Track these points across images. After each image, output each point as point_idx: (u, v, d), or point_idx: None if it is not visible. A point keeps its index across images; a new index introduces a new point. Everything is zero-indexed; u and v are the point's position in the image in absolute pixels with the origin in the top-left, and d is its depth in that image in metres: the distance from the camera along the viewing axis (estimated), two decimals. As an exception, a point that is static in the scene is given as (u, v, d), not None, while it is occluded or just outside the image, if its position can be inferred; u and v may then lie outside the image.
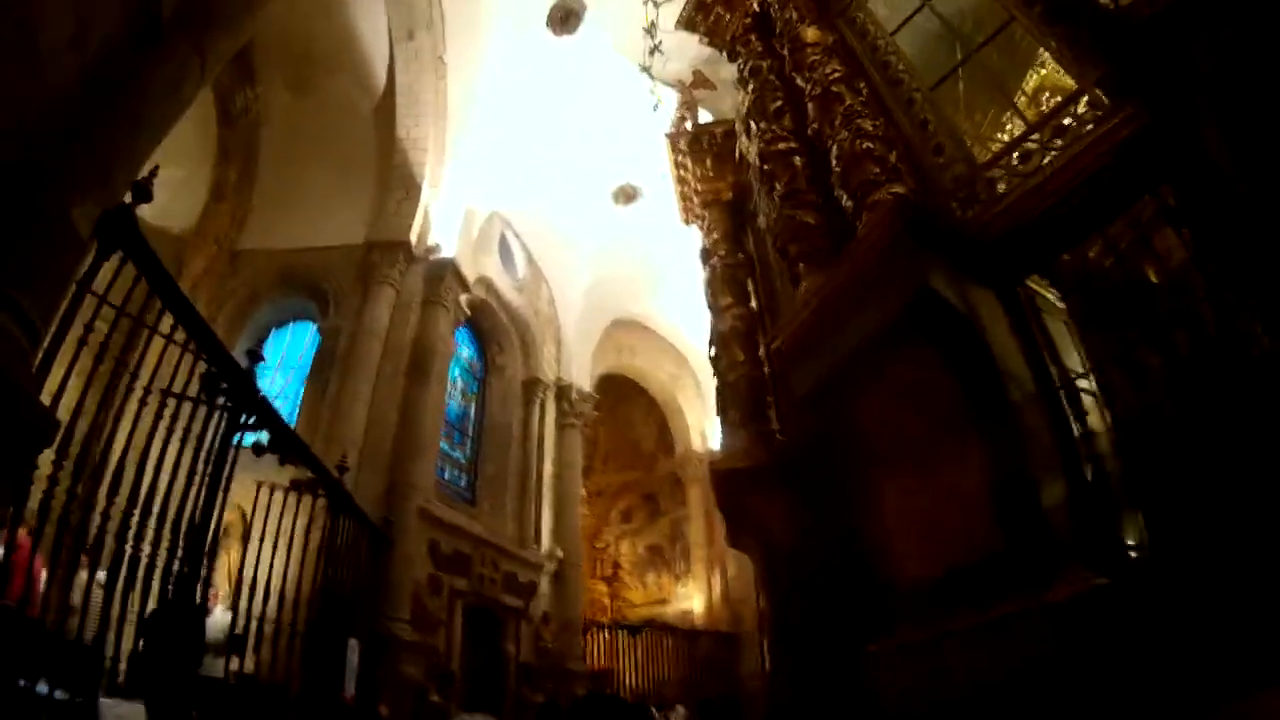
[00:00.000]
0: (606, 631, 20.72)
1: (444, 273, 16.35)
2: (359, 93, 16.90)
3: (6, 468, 3.67)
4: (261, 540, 8.27)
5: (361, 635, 10.53)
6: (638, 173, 19.89)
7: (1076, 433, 5.01)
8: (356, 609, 10.82)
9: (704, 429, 26.24)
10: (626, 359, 25.98)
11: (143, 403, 5.51)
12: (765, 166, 8.15)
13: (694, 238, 13.43)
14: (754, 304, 10.34)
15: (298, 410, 14.71)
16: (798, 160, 7.76)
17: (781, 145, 7.97)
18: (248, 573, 8.06)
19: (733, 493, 8.87)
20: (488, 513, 17.63)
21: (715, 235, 11.05)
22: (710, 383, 23.99)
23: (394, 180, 16.74)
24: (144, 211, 4.95)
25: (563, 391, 21.07)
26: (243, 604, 8.00)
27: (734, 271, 10.60)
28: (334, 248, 16.39)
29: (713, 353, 10.51)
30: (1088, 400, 5.18)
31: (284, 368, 16.42)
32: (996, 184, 5.80)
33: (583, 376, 21.99)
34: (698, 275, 22.00)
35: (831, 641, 6.83)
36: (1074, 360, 5.39)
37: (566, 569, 18.90)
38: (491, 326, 19.88)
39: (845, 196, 6.39)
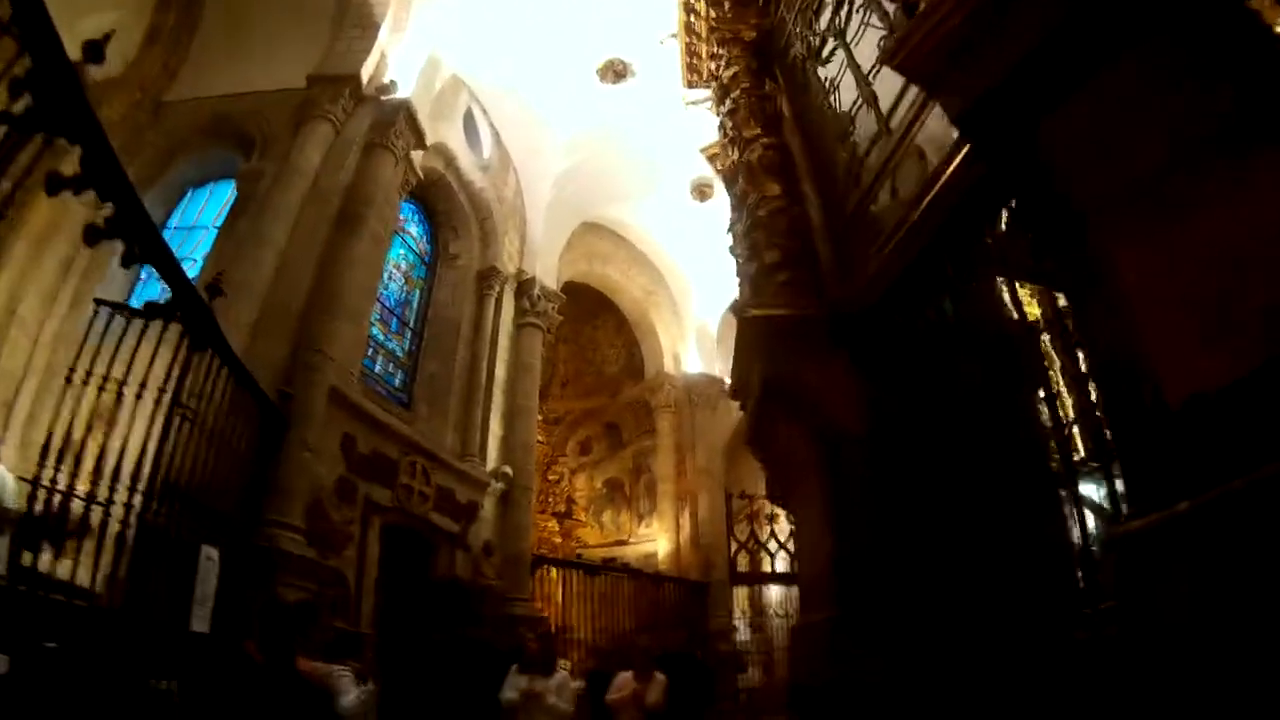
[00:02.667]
0: (558, 570, 17.77)
1: (395, 117, 13.32)
2: (323, -74, 14.13)
3: None
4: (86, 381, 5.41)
5: (231, 544, 7.59)
6: (631, 46, 17.33)
7: None
8: (223, 504, 7.89)
9: (678, 352, 23.93)
10: (598, 267, 22.99)
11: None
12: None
13: (688, 130, 12.79)
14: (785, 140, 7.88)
15: (200, 272, 11.65)
16: None
17: None
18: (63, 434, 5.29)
19: (773, 355, 6.14)
20: (425, 417, 14.72)
21: (735, 70, 8.72)
22: (689, 304, 22.09)
23: (349, 19, 13.91)
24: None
25: (524, 287, 18.07)
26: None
27: (761, 103, 8.22)
28: (271, 92, 13.58)
29: (739, 188, 7.86)
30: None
31: (198, 230, 13.85)
32: None
33: (548, 275, 18.97)
34: (685, 175, 19.85)
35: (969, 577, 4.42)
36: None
37: (515, 491, 15.96)
38: (448, 209, 17.07)
39: None
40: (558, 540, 22.16)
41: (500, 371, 16.76)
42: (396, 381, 15.05)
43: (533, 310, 18.07)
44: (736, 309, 6.86)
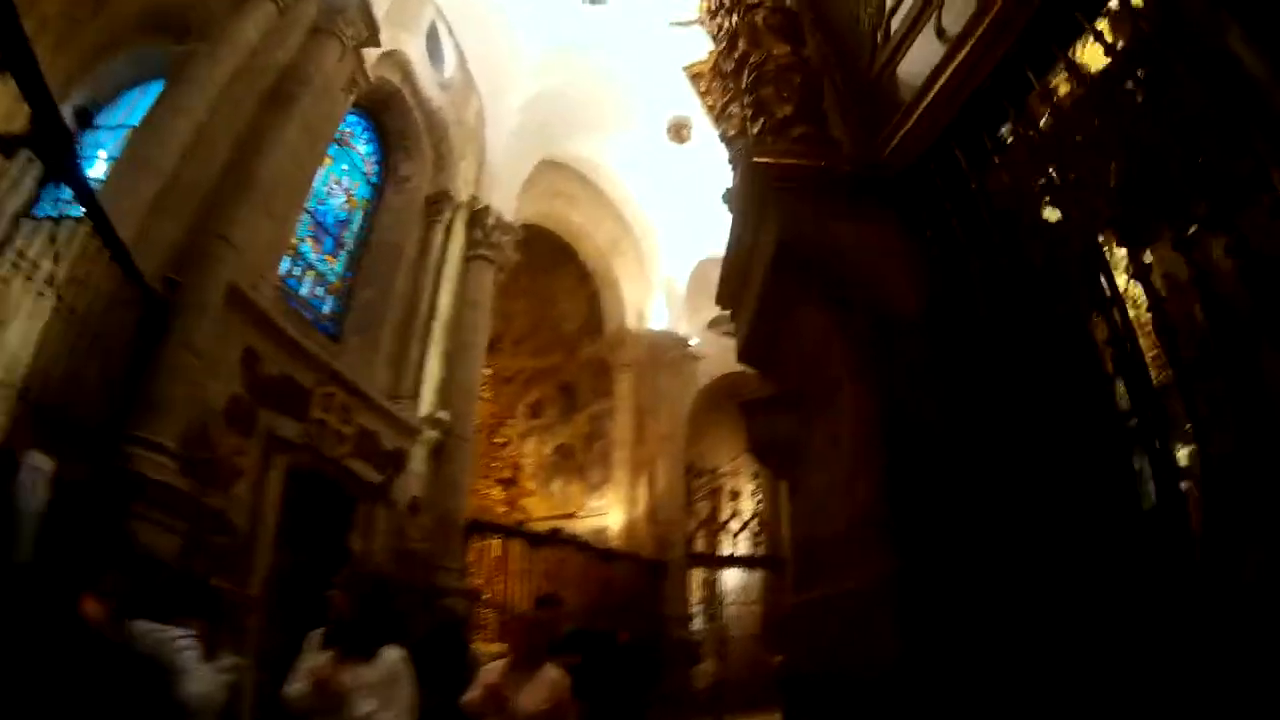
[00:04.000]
0: (498, 537, 15.69)
1: (346, 4, 11.58)
2: None
3: None
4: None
5: (83, 462, 5.72)
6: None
7: None
8: (80, 410, 6.05)
9: (642, 308, 22.03)
10: (561, 209, 21.14)
11: None
12: None
13: (668, 66, 11.11)
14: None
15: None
16: None
17: None
18: None
19: (793, 211, 4.50)
20: (355, 350, 12.85)
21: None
22: (657, 257, 20.28)
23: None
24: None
25: (478, 216, 16.09)
26: None
27: (760, -31, 6.69)
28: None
29: (739, 51, 6.39)
30: None
31: (126, 128, 11.70)
32: None
33: (505, 207, 17.00)
34: (662, 114, 18.32)
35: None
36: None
37: (451, 442, 13.95)
38: (401, 127, 15.25)
39: None
40: (501, 510, 20.47)
41: (444, 305, 14.86)
42: (326, 308, 13.20)
43: (485, 242, 16.15)
44: (738, 161, 5.33)
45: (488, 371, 19.01)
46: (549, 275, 22.95)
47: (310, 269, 12.92)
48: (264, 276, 10.13)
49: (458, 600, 12.23)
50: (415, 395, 13.54)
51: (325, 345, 11.90)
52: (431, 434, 13.59)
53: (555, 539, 16.64)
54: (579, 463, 22.18)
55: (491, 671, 5.41)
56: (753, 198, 4.70)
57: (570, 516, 21.05)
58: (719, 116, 7.16)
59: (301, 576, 9.76)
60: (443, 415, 13.80)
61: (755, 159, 4.63)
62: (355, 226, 14.33)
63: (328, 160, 12.87)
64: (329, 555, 10.79)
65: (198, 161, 9.05)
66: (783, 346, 5.03)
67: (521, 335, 23.45)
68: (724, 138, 7.00)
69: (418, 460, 13.21)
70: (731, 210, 5.47)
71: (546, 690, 5.17)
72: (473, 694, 5.24)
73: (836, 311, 4.33)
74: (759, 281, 4.77)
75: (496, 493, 20.91)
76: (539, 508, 21.82)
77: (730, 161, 6.39)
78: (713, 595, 19.58)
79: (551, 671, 5.30)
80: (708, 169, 15.75)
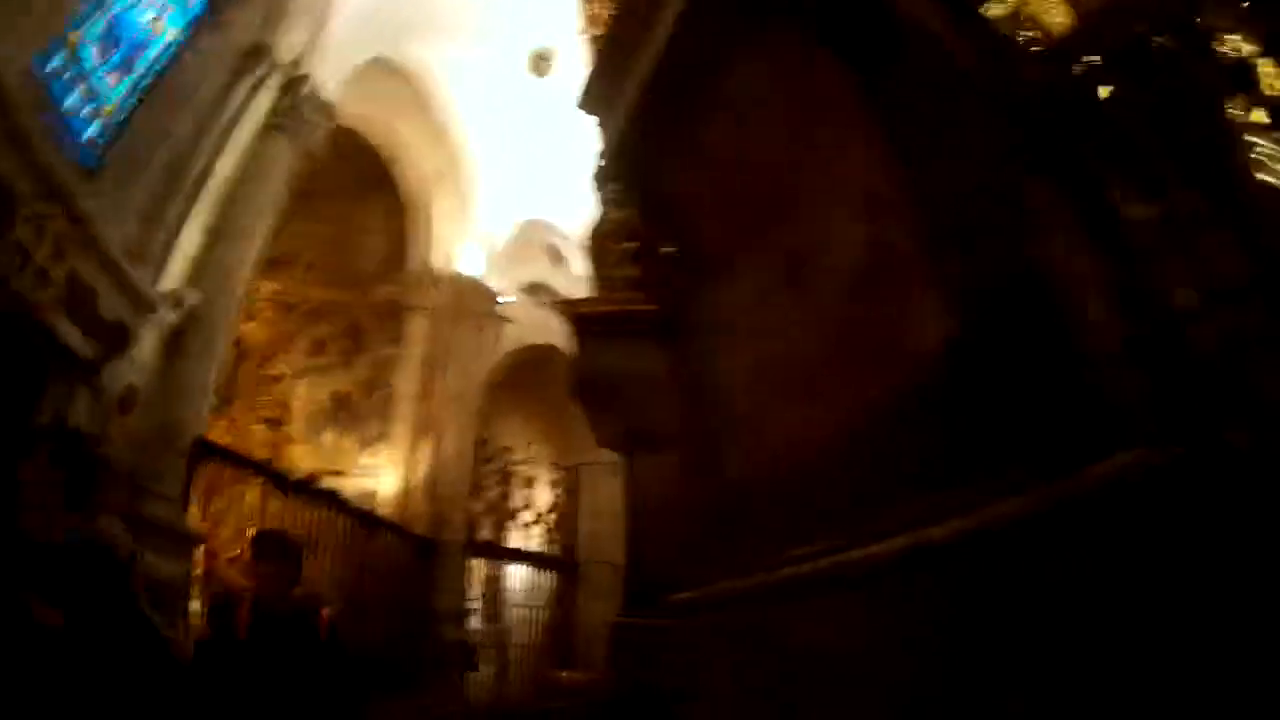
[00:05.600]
0: (239, 471, 12.62)
1: None
2: None
3: None
4: None
5: None
6: None
7: None
8: None
9: (453, 250, 20.21)
10: (389, 117, 19.05)
11: None
12: None
13: None
14: None
15: None
16: None
17: None
18: None
19: None
20: (108, 191, 10.17)
21: None
22: (481, 201, 21.00)
23: None
24: None
25: (294, 83, 13.61)
26: None
27: None
28: None
29: None
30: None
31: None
32: None
33: (328, 85, 14.70)
34: (525, 40, 18.05)
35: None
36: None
37: (194, 331, 11.21)
38: None
39: None
40: (264, 455, 17.25)
41: (224, 169, 12.20)
42: (90, 132, 10.59)
43: (295, 113, 13.75)
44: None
45: (273, 287, 17.50)
46: (361, 203, 21.07)
47: (84, 79, 10.49)
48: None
49: (115, 522, 8.53)
50: (163, 265, 10.90)
51: (75, 173, 9.41)
52: (170, 316, 10.83)
53: (309, 489, 13.86)
54: (356, 414, 19.95)
55: None
56: None
57: (339, 474, 18.63)
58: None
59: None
60: (190, 296, 11.10)
61: None
62: (153, 54, 11.89)
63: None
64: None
65: None
66: (699, 137, 3.19)
67: (315, 261, 21.06)
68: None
69: (147, 346, 10.47)
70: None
71: None
72: None
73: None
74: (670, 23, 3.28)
75: (261, 432, 18.45)
76: (306, 459, 19.11)
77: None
78: (496, 593, 17.68)
79: None
80: (557, 118, 14.57)
